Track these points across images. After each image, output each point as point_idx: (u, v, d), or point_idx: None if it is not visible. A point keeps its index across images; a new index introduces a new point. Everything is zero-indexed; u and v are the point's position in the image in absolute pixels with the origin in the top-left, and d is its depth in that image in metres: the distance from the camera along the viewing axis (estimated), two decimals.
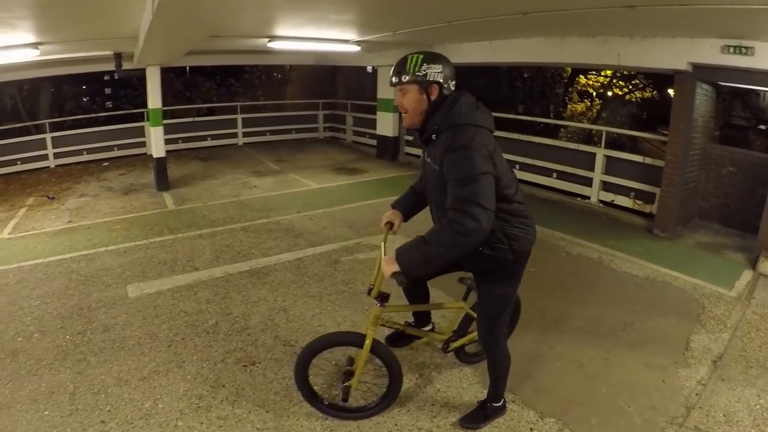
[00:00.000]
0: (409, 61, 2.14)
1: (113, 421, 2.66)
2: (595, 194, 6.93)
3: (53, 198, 7.64)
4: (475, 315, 2.70)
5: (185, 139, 11.37)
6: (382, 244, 2.38)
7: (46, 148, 10.05)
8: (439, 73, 2.13)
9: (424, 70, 2.12)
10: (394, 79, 2.18)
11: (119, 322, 3.70)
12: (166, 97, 9.10)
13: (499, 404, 2.67)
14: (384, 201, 6.31)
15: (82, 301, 4.06)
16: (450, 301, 3.49)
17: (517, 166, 7.71)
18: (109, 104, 16.05)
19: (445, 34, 6.65)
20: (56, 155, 10.09)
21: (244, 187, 7.97)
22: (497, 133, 2.20)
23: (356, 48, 8.05)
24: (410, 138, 9.66)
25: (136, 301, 4.02)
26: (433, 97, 2.15)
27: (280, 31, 6.68)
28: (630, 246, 5.34)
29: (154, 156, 8.07)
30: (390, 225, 2.54)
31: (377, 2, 4.88)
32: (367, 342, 2.40)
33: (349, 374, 2.57)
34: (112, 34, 6.09)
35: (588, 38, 5.94)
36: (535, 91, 14.58)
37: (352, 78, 14.26)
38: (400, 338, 2.99)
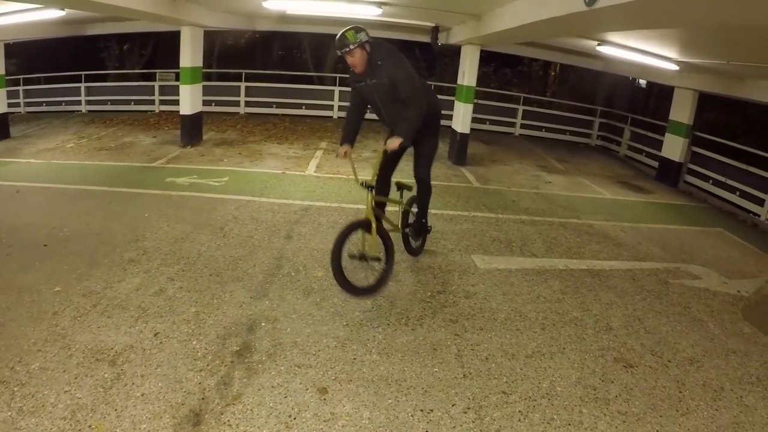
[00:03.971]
0: (349, 36, 3.31)
1: (515, 394, 2.74)
2: None
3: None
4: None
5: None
6: (352, 166, 3.67)
7: (333, 100, 11.54)
8: (365, 35, 3.37)
9: (360, 38, 3.33)
10: (344, 50, 3.36)
11: (479, 291, 3.92)
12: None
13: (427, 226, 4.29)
14: (681, 229, 6.30)
15: (433, 261, 4.39)
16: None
17: None
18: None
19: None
20: (340, 108, 11.52)
21: (538, 180, 8.07)
22: None
23: (674, 67, 7.36)
24: (693, 167, 8.83)
25: (487, 273, 4.26)
26: (369, 50, 3.42)
27: (612, 37, 6.39)
28: None
29: (459, 131, 8.58)
30: (346, 155, 3.66)
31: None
32: (373, 223, 3.44)
33: (363, 256, 3.53)
34: (454, 8, 6.30)
35: None
36: None
37: (618, 86, 14.26)
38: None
